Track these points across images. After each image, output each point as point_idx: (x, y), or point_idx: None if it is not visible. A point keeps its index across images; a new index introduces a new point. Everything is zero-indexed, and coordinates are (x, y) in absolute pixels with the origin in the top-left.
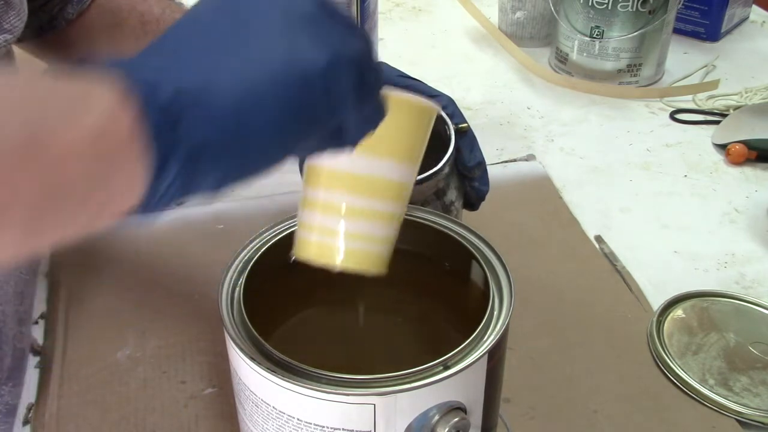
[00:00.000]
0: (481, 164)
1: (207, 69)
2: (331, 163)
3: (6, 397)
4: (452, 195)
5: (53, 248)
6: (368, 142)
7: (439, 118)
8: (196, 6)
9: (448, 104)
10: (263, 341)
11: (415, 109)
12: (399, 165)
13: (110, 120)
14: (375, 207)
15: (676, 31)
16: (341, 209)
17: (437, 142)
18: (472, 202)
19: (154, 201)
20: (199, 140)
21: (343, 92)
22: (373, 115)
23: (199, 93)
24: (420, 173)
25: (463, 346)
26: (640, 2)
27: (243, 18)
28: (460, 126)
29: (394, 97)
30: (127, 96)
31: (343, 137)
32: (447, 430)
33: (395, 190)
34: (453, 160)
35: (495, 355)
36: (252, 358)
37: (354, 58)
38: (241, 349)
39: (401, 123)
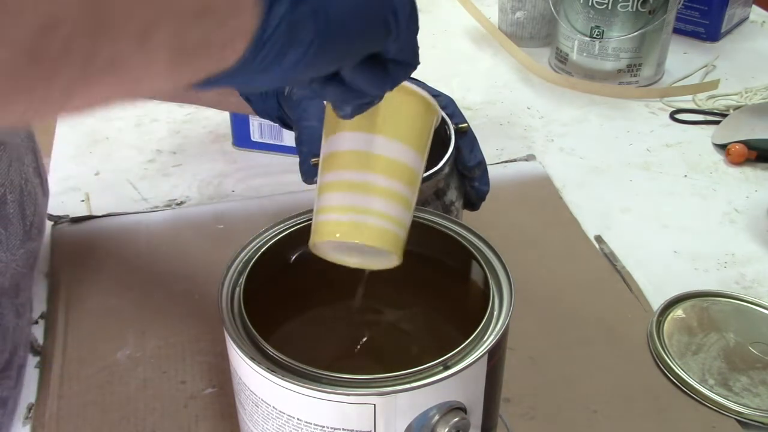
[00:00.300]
0: (482, 164)
1: None
2: (350, 145)
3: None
4: (452, 195)
5: (188, 88)
6: (388, 124)
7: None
8: None
9: (448, 104)
10: (263, 341)
11: (426, 103)
12: (413, 152)
13: None
14: (394, 188)
15: (676, 31)
16: (363, 186)
17: (437, 142)
18: (472, 202)
19: (260, 46)
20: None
21: (404, 12)
22: (412, 53)
23: None
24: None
25: (463, 346)
26: (640, 2)
27: None
28: (460, 126)
29: (408, 86)
30: None
31: (386, 71)
32: (447, 430)
33: (411, 176)
34: (453, 160)
35: (495, 355)
36: (252, 358)
37: None
38: (241, 349)
39: (416, 111)
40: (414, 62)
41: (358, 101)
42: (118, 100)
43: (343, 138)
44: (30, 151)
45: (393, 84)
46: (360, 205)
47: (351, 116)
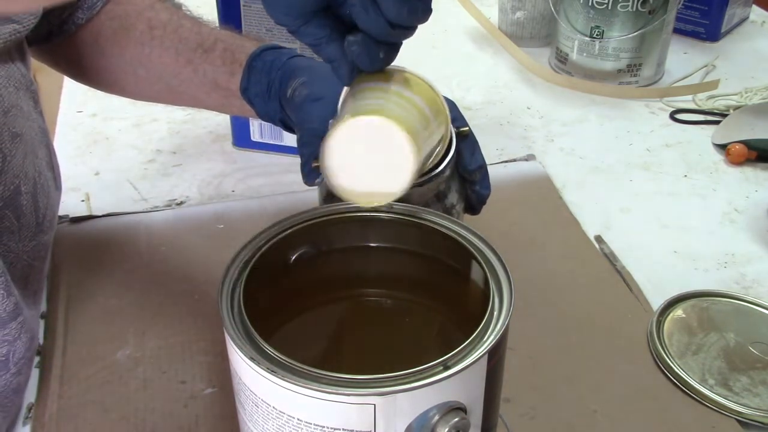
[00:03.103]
0: (482, 167)
1: None
2: (377, 83)
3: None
4: (453, 198)
5: None
6: (406, 85)
7: None
8: None
9: (451, 108)
10: (263, 341)
11: (438, 97)
12: (430, 110)
13: None
14: (416, 102)
15: (676, 31)
16: (391, 91)
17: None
18: (473, 206)
19: None
20: None
21: None
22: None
23: None
24: (421, 175)
25: (463, 346)
26: (640, 2)
27: None
28: (462, 129)
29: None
30: None
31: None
32: (447, 430)
33: (434, 120)
34: (454, 163)
35: (495, 355)
36: (252, 358)
37: None
38: (241, 349)
39: (426, 89)
40: (428, 10)
41: (389, 36)
42: None
43: (366, 83)
44: (44, 146)
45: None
46: (378, 96)
47: (382, 60)
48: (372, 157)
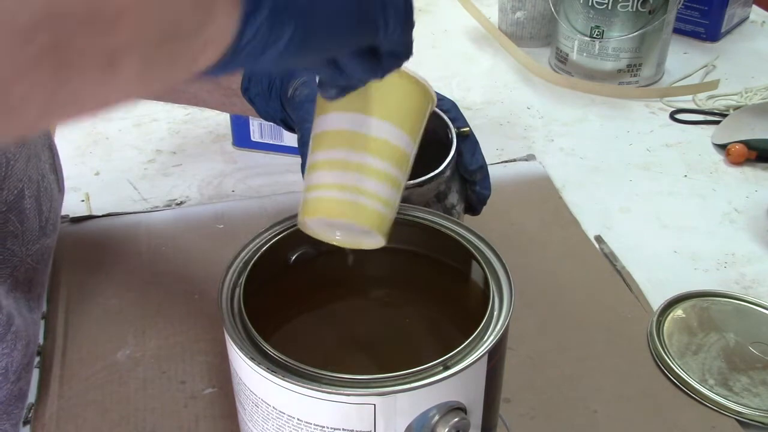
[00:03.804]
0: (483, 168)
1: None
2: (342, 125)
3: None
4: (453, 198)
5: (156, 95)
6: (380, 106)
7: (442, 122)
8: None
9: (451, 108)
10: (263, 341)
11: (420, 87)
12: (405, 135)
13: None
14: (384, 168)
15: (676, 31)
16: (354, 166)
17: (439, 146)
18: (473, 206)
19: (238, 51)
20: None
21: (397, 12)
22: (405, 48)
23: None
24: (422, 176)
25: (463, 346)
26: (640, 2)
27: None
28: (462, 130)
29: (405, 71)
30: None
31: (378, 61)
32: (447, 430)
33: (402, 157)
34: (454, 163)
35: (495, 355)
36: (252, 358)
37: None
38: (241, 349)
39: (409, 94)
40: (407, 55)
41: (344, 83)
42: (90, 112)
43: (334, 117)
44: (46, 148)
45: (383, 73)
46: (351, 184)
47: (335, 98)
48: (347, 230)
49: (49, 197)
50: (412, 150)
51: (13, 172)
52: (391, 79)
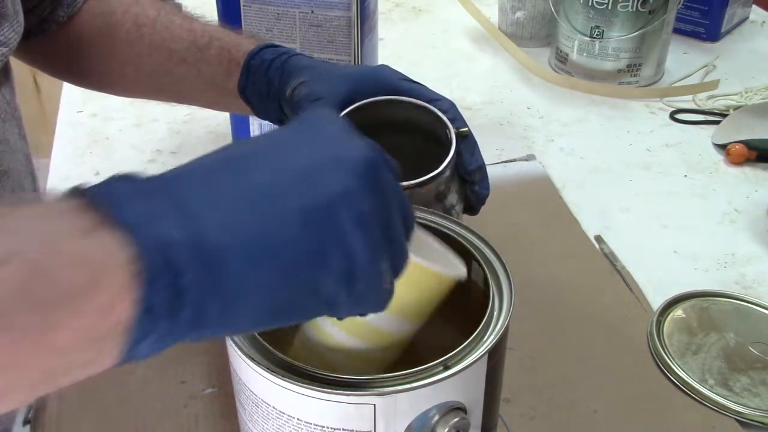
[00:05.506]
0: (482, 168)
1: (220, 227)
2: None
3: None
4: (453, 198)
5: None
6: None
7: (441, 122)
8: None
9: (450, 108)
10: (263, 341)
11: (438, 278)
12: (412, 323)
13: (116, 301)
14: (366, 352)
15: (676, 31)
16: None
17: (438, 146)
18: (472, 206)
19: (135, 354)
20: (201, 314)
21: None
22: (377, 303)
23: (210, 265)
24: (422, 176)
25: (463, 346)
26: (640, 2)
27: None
28: (461, 130)
29: (419, 264)
30: (137, 274)
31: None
32: (447, 430)
33: (402, 340)
34: (454, 164)
35: (495, 355)
36: (252, 358)
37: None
38: (241, 349)
39: (422, 289)
40: (379, 308)
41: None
42: None
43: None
44: (28, 174)
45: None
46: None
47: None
48: None
49: None
50: (416, 328)
51: None
52: (408, 271)
